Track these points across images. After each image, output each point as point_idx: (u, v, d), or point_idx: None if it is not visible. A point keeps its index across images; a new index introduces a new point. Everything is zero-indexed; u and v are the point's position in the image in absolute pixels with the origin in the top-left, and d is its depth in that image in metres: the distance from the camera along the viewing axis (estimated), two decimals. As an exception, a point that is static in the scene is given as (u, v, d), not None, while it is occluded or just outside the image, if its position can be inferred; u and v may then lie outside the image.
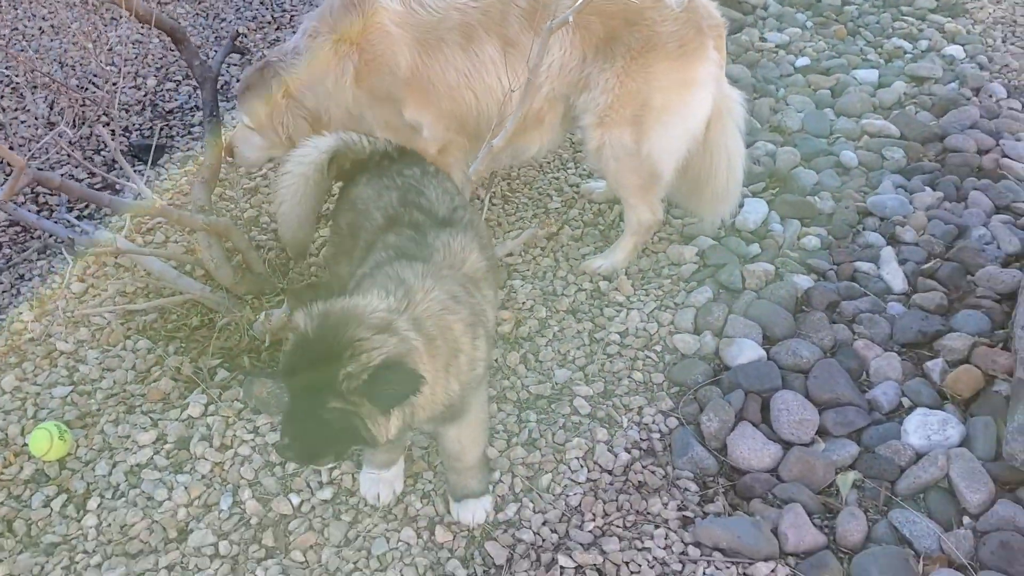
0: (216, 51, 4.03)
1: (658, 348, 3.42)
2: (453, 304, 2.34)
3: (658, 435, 3.07)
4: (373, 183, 2.82)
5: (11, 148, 3.67)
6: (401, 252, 2.49)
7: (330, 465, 2.92)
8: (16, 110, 4.85)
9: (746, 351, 3.28)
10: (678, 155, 3.51)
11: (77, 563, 2.70)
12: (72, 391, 3.25)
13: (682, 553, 2.67)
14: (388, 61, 3.41)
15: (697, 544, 2.69)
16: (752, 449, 2.94)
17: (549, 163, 4.49)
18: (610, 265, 3.75)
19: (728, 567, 2.63)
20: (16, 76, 5.00)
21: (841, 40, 5.58)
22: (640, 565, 2.63)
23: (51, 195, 4.23)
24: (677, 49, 3.34)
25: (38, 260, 3.87)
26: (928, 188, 4.15)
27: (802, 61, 5.32)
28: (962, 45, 5.43)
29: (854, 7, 5.97)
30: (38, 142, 4.54)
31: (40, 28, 5.48)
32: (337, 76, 3.49)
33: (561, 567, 2.62)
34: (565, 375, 3.29)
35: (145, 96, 5.03)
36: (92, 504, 2.87)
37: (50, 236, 3.88)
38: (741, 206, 4.03)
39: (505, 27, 3.35)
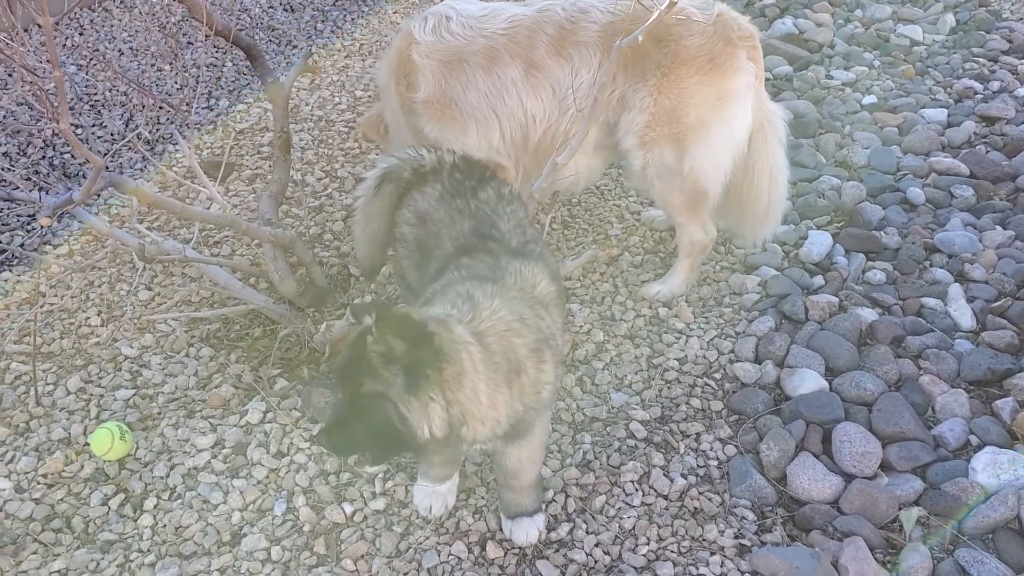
0: (287, 74, 4.13)
1: (717, 376, 3.37)
2: (519, 326, 2.30)
3: (716, 462, 3.01)
4: (446, 203, 2.78)
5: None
6: (473, 273, 2.47)
7: (371, 468, 2.91)
8: (94, 126, 5.02)
9: (808, 381, 3.21)
10: (723, 170, 3.46)
11: (131, 561, 2.72)
12: (135, 394, 3.31)
13: (738, 581, 2.61)
14: (417, 88, 3.51)
15: (753, 573, 2.62)
16: (812, 480, 2.87)
17: (610, 190, 4.49)
18: (668, 290, 3.72)
19: (786, 598, 2.55)
20: (96, 94, 5.19)
21: (909, 80, 5.52)
22: (694, 591, 2.58)
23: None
24: (707, 63, 3.31)
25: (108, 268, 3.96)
26: (999, 227, 4.05)
27: (869, 99, 5.27)
28: (1035, 87, 5.34)
29: (923, 47, 5.92)
30: (113, 156, 4.69)
31: (120, 50, 5.68)
32: (400, 110, 3.65)
33: (613, 589, 2.58)
34: (621, 399, 3.26)
35: (217, 116, 5.17)
36: (149, 504, 2.90)
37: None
38: (805, 238, 4.00)
39: (531, 51, 3.38)
